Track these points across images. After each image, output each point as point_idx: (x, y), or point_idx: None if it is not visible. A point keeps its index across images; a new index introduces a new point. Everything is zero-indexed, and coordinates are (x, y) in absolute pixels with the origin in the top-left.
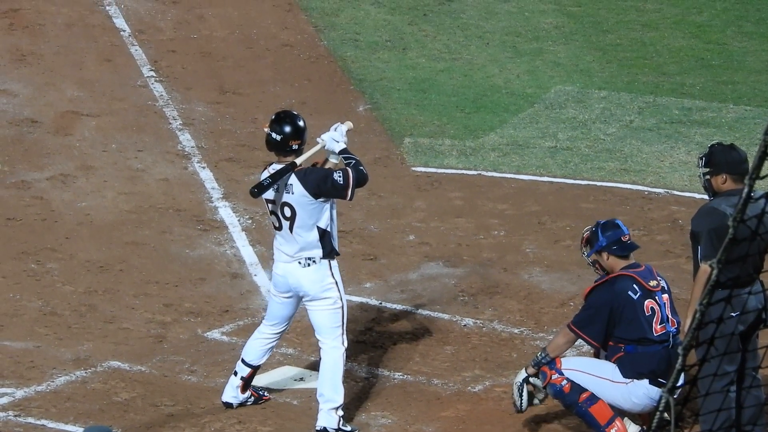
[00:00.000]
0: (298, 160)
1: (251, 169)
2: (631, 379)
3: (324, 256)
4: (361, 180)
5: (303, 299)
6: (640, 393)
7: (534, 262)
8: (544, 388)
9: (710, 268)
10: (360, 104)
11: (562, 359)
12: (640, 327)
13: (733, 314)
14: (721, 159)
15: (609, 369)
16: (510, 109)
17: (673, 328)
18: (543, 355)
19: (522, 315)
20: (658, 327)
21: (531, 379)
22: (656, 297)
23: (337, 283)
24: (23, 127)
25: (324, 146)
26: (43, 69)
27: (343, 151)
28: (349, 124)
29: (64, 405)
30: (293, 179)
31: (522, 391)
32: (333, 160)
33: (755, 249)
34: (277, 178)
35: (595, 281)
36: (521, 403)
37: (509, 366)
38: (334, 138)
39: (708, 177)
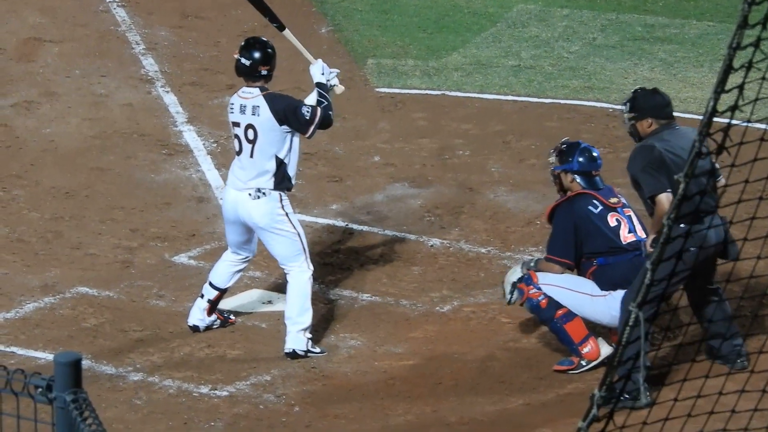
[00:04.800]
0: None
1: (215, 92)
2: (608, 292)
3: (274, 188)
4: (325, 122)
5: (256, 231)
6: (619, 305)
7: (499, 181)
8: (522, 304)
9: (667, 200)
10: (322, 26)
11: (538, 274)
12: (606, 238)
13: (692, 249)
14: (645, 104)
15: (587, 284)
16: (472, 28)
17: (643, 237)
18: (531, 266)
19: (488, 234)
20: (627, 235)
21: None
22: (618, 211)
23: (288, 214)
24: None
25: (311, 63)
26: None
27: (319, 85)
28: (341, 88)
29: (32, 332)
30: (261, 102)
31: (514, 289)
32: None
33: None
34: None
35: (556, 201)
36: (511, 299)
37: (476, 286)
38: (323, 69)
39: (633, 122)
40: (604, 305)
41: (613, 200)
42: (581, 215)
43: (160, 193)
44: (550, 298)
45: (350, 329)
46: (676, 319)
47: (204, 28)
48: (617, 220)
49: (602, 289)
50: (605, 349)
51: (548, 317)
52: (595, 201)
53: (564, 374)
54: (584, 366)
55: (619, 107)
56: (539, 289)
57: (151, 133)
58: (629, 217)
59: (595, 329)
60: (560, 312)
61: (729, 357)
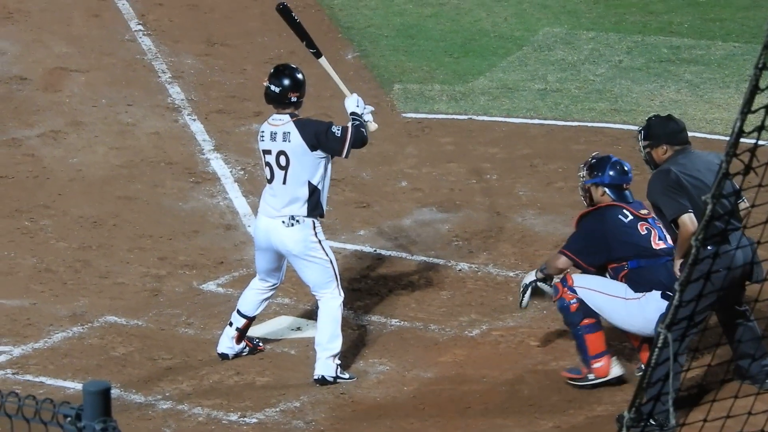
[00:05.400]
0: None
1: (241, 120)
2: (642, 294)
3: (308, 215)
4: (358, 140)
5: (288, 259)
6: (652, 307)
7: (527, 204)
8: (555, 302)
9: (690, 221)
10: (348, 52)
11: (573, 276)
12: (637, 243)
13: (720, 270)
14: (659, 131)
15: (621, 287)
16: (498, 52)
17: (673, 245)
18: (543, 268)
19: (516, 258)
20: (658, 242)
21: (539, 284)
22: (649, 221)
23: (321, 242)
24: (12, 84)
25: (347, 96)
26: (30, 26)
27: (354, 114)
28: (374, 125)
29: (61, 361)
30: (292, 128)
31: (526, 291)
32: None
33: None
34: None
35: (586, 209)
36: (523, 300)
37: (505, 309)
38: (358, 102)
39: (648, 150)
40: (637, 308)
41: (643, 211)
42: (612, 223)
43: (188, 221)
44: (581, 304)
45: (379, 354)
46: (705, 340)
47: (230, 56)
48: (647, 228)
49: (636, 291)
50: (615, 370)
51: (574, 322)
52: (625, 211)
53: (594, 396)
54: (590, 380)
55: None
56: (574, 291)
57: (179, 161)
58: (659, 228)
59: (623, 352)
60: (586, 321)
61: (758, 377)
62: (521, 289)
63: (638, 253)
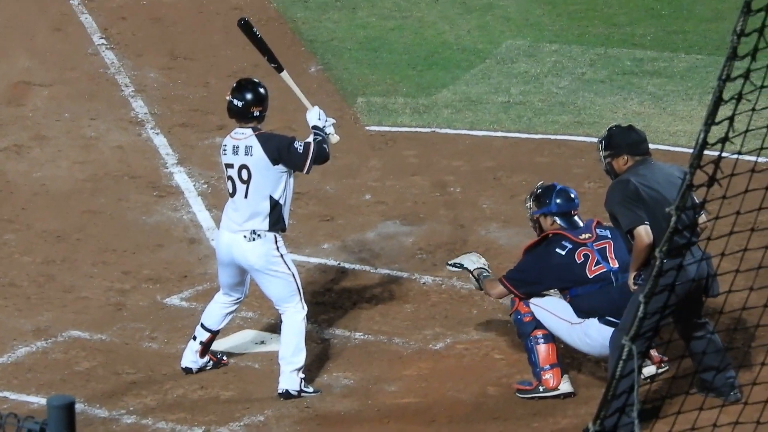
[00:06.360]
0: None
1: (205, 133)
2: (582, 320)
3: (269, 229)
4: (320, 156)
5: (251, 273)
6: (593, 333)
7: (491, 217)
8: (510, 315)
9: (645, 233)
10: (312, 65)
11: None
12: (572, 274)
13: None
14: (620, 141)
15: (569, 311)
16: (462, 65)
17: (614, 267)
18: (482, 282)
19: None
20: (594, 268)
21: (471, 276)
22: (588, 245)
23: (283, 256)
24: None
25: (308, 109)
26: None
27: (315, 128)
28: (336, 137)
29: (25, 376)
30: (254, 141)
31: (460, 266)
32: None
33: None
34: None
35: (532, 240)
36: (453, 264)
37: (469, 323)
38: (320, 115)
39: (609, 160)
40: (580, 332)
41: (584, 236)
42: (550, 258)
43: (152, 234)
44: (534, 317)
45: (343, 368)
46: (669, 353)
47: (193, 69)
48: (585, 255)
49: (579, 316)
50: (564, 386)
51: (525, 333)
52: (564, 242)
53: (559, 409)
54: (540, 392)
55: None
56: (528, 306)
57: (142, 175)
58: (601, 250)
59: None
60: (538, 332)
61: (722, 389)
62: (459, 261)
63: (574, 282)
